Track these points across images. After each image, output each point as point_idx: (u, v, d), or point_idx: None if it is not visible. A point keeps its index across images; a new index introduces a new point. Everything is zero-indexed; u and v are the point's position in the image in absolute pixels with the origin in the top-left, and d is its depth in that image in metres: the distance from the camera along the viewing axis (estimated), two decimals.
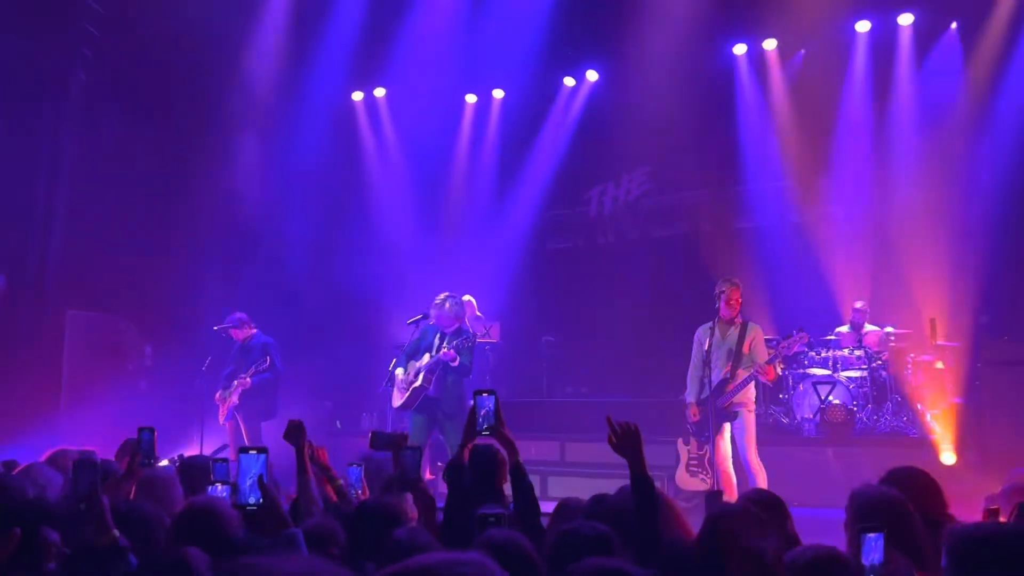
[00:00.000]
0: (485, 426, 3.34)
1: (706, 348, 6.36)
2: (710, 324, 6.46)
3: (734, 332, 6.36)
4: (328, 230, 11.28)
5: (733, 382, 6.25)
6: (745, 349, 6.29)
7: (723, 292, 6.36)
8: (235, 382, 7.94)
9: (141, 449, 3.59)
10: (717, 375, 6.33)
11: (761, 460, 6.32)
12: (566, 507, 3.35)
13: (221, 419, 8.12)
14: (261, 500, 2.58)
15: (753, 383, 6.27)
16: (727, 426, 6.33)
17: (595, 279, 11.27)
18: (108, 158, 9.56)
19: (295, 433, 3.49)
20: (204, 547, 2.40)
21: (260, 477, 2.61)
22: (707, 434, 6.33)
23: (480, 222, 11.87)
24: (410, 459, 3.48)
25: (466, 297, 9.82)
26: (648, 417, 8.39)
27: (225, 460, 3.86)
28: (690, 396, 6.54)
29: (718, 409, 6.26)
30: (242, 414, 7.98)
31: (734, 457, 6.32)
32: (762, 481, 6.13)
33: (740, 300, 6.37)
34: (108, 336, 10.20)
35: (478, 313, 9.86)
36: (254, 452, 2.65)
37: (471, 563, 1.60)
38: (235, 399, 7.92)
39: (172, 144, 10.12)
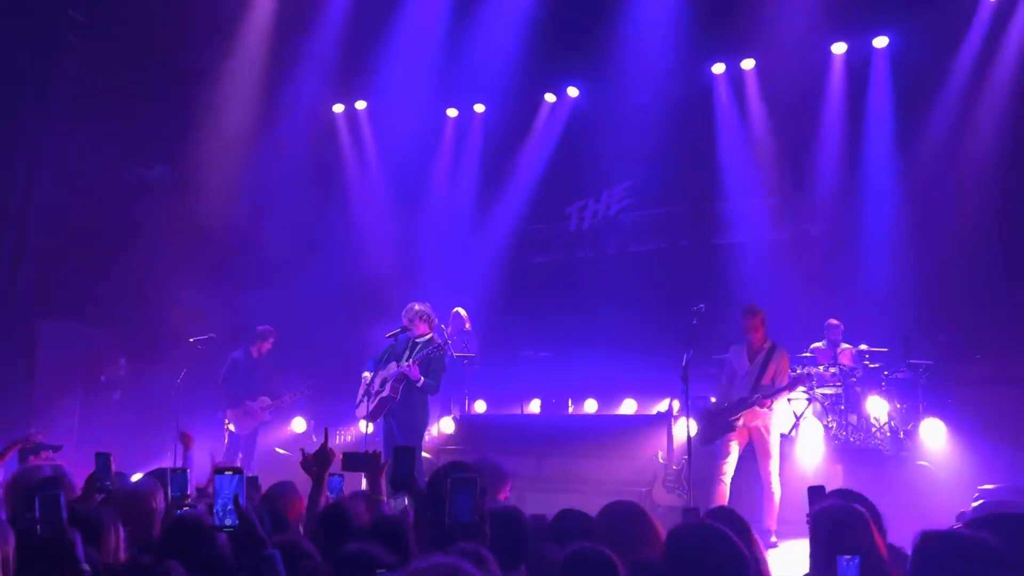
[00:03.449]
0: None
1: (736, 370, 6.71)
2: (743, 346, 6.76)
3: (760, 358, 6.65)
4: (307, 243, 11.23)
5: (750, 402, 6.50)
6: (766, 379, 6.55)
7: (745, 321, 6.65)
8: (266, 400, 8.43)
9: (97, 473, 3.54)
10: (740, 394, 6.61)
11: (733, 477, 6.45)
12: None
13: (245, 431, 8.48)
14: (238, 522, 2.55)
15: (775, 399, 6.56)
16: (735, 443, 6.50)
17: (574, 294, 11.30)
18: (84, 166, 9.49)
19: (317, 463, 3.55)
20: (188, 563, 2.39)
21: (236, 498, 2.56)
22: (714, 442, 6.61)
23: (460, 236, 11.87)
24: (404, 459, 3.45)
25: (456, 309, 9.82)
26: (626, 432, 8.47)
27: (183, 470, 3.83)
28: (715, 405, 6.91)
29: (726, 423, 6.51)
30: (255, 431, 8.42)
31: (753, 474, 6.55)
32: (776, 500, 6.40)
33: (753, 327, 6.66)
34: (82, 347, 10.07)
35: (467, 327, 9.83)
36: (229, 473, 2.61)
37: (443, 565, 1.64)
38: (267, 416, 8.44)
39: (149, 153, 10.07)
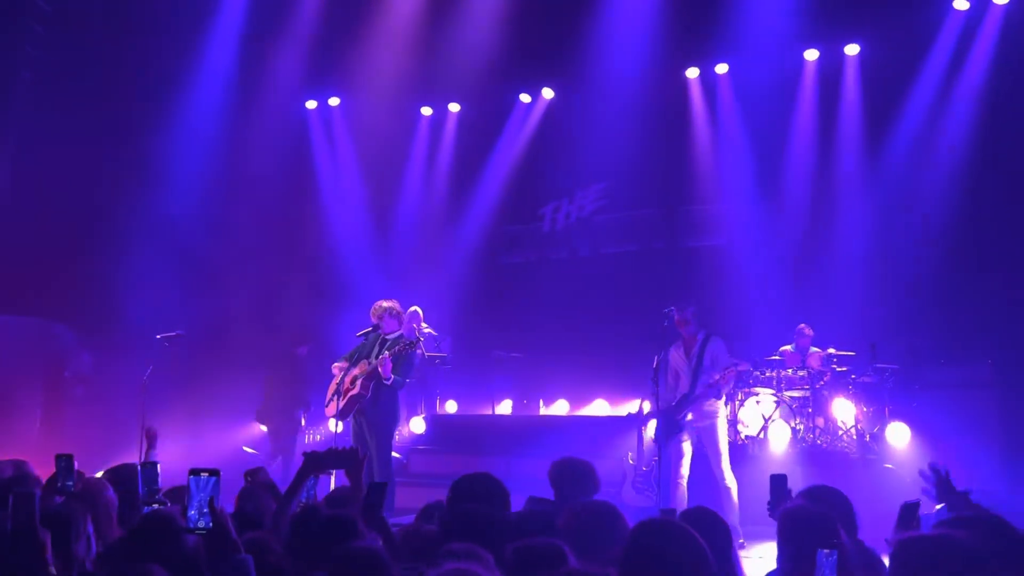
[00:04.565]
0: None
1: (678, 368, 6.69)
2: (679, 342, 6.74)
3: (696, 349, 6.66)
4: (278, 239, 11.11)
5: (692, 395, 6.50)
6: (707, 363, 6.56)
7: (676, 315, 6.61)
8: None
9: (58, 476, 3.47)
10: (683, 390, 6.61)
11: (691, 480, 6.48)
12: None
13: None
14: (211, 525, 2.50)
15: (717, 395, 6.54)
16: (687, 444, 6.52)
17: (547, 295, 11.29)
18: (46, 153, 9.28)
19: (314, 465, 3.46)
20: (157, 562, 2.35)
21: (211, 501, 2.51)
22: (668, 442, 6.55)
23: (433, 235, 11.83)
24: (376, 495, 3.31)
25: (413, 308, 9.75)
26: (596, 433, 8.49)
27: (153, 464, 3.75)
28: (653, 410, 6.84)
29: (675, 422, 6.49)
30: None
31: (704, 471, 6.52)
32: (734, 495, 6.34)
33: (684, 321, 6.63)
34: (42, 342, 9.85)
35: (424, 324, 9.78)
36: (205, 474, 2.55)
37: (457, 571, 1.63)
38: None
39: (116, 145, 9.88)
